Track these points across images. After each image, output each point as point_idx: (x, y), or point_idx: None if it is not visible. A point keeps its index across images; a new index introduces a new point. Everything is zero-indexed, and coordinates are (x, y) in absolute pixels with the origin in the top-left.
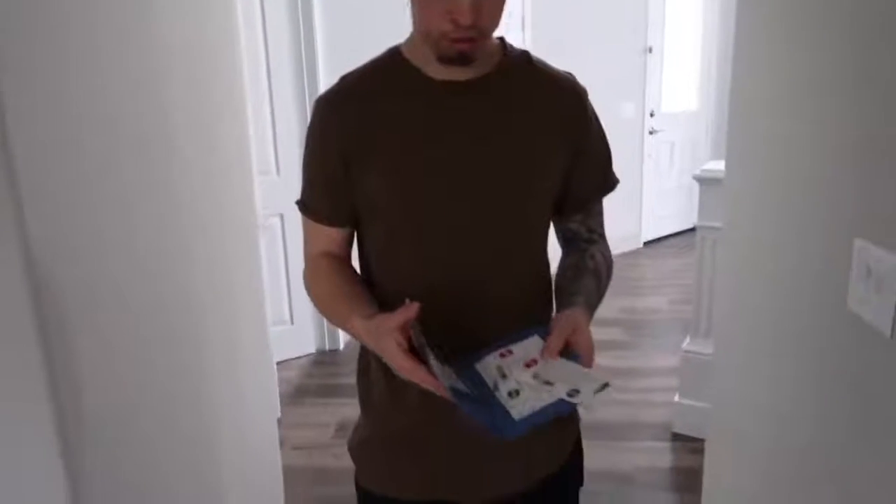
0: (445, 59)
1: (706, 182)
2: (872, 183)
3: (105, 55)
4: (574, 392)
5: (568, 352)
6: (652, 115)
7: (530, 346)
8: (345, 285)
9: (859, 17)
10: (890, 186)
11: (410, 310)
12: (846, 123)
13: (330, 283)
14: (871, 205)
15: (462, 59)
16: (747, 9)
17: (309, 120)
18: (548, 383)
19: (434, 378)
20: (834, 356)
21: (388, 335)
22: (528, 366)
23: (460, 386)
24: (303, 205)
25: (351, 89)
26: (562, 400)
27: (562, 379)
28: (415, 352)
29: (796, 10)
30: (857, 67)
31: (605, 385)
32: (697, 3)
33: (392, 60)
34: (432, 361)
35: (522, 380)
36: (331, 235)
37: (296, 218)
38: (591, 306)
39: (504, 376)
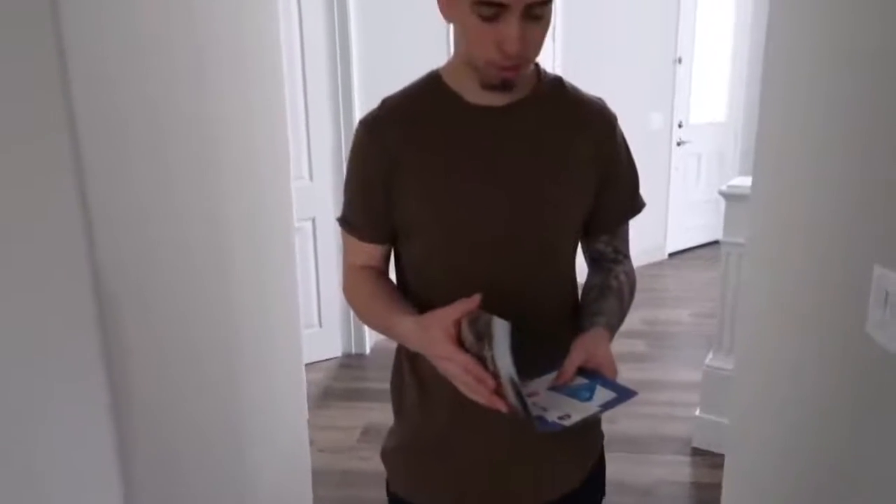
0: (488, 86)
1: (732, 198)
2: (894, 212)
3: (155, 75)
4: (565, 416)
5: (589, 371)
6: (680, 125)
7: (543, 381)
8: (385, 294)
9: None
10: None
11: (472, 302)
12: (874, 151)
13: (371, 291)
14: (892, 233)
15: (505, 86)
16: (779, 19)
17: (353, 138)
18: (543, 409)
19: (475, 363)
20: (853, 379)
21: (440, 326)
22: (530, 395)
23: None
24: (344, 221)
25: (391, 114)
26: (554, 422)
27: (555, 406)
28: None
29: (830, 21)
30: (887, 92)
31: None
32: (729, 12)
33: (432, 86)
34: (486, 353)
35: None
36: (370, 252)
37: (327, 222)
38: (613, 327)
39: None
